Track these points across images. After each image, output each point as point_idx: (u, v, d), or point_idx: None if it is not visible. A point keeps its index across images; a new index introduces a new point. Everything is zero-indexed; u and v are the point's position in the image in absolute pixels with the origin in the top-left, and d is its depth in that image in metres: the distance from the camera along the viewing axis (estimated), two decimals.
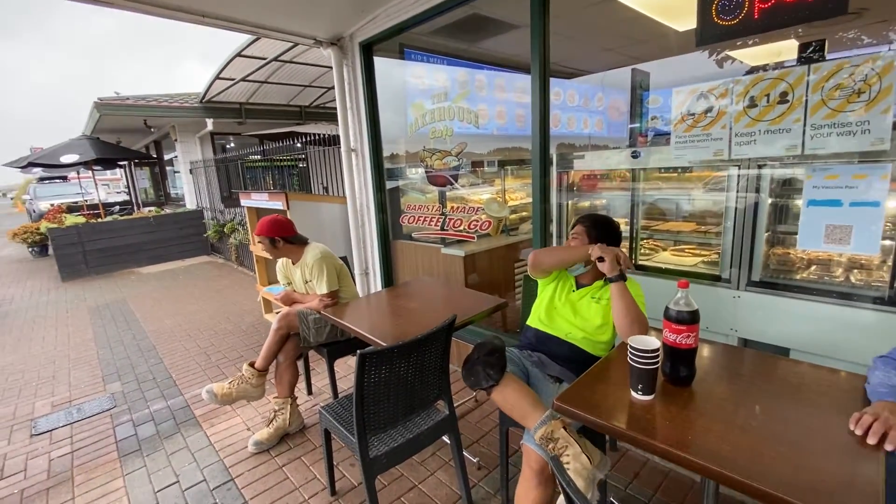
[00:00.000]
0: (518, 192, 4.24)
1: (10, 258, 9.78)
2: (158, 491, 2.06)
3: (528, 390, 1.43)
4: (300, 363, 2.64)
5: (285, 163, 8.47)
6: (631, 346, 1.20)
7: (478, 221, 2.80)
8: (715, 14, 1.67)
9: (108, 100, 7.51)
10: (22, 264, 8.91)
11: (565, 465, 1.24)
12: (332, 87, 7.54)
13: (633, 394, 1.23)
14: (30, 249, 9.44)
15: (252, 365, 2.37)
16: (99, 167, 10.02)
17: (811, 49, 1.57)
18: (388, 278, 3.67)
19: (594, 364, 1.43)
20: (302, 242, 2.57)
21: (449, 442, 1.84)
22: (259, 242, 2.54)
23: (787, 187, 1.73)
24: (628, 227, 2.31)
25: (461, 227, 2.89)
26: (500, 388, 1.41)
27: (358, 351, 1.40)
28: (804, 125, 1.48)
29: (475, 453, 2.16)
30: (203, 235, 8.19)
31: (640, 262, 2.30)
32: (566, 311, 1.72)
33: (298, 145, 6.70)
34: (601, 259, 1.54)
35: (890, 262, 1.61)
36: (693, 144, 1.75)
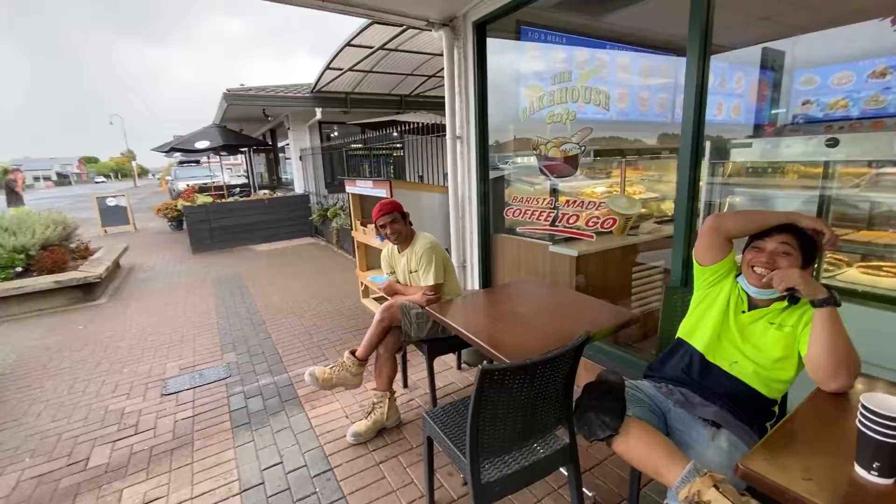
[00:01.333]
0: (636, 185, 3.78)
1: (154, 230, 11.38)
2: (265, 469, 2.11)
3: (661, 438, 1.14)
4: (398, 356, 2.57)
5: (382, 151, 8.69)
6: (867, 409, 0.86)
7: (598, 218, 2.47)
8: None
9: (234, 91, 8.26)
10: (162, 236, 10.31)
11: None
12: (434, 76, 7.50)
13: (861, 471, 0.89)
14: (169, 224, 10.89)
15: (353, 353, 2.34)
16: (225, 153, 11.19)
17: None
18: (487, 273, 3.48)
19: (785, 418, 1.09)
20: (412, 229, 2.49)
21: (566, 473, 1.60)
22: (392, 222, 2.43)
23: None
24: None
25: (577, 224, 2.59)
26: (623, 437, 1.14)
27: (480, 367, 1.22)
28: None
29: (590, 485, 1.89)
30: (308, 218, 8.74)
31: (823, 282, 1.82)
32: (734, 334, 1.37)
33: (395, 134, 6.78)
34: (790, 290, 1.20)
35: None
36: None
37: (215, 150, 9.05)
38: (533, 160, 2.97)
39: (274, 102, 8.41)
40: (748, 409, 1.34)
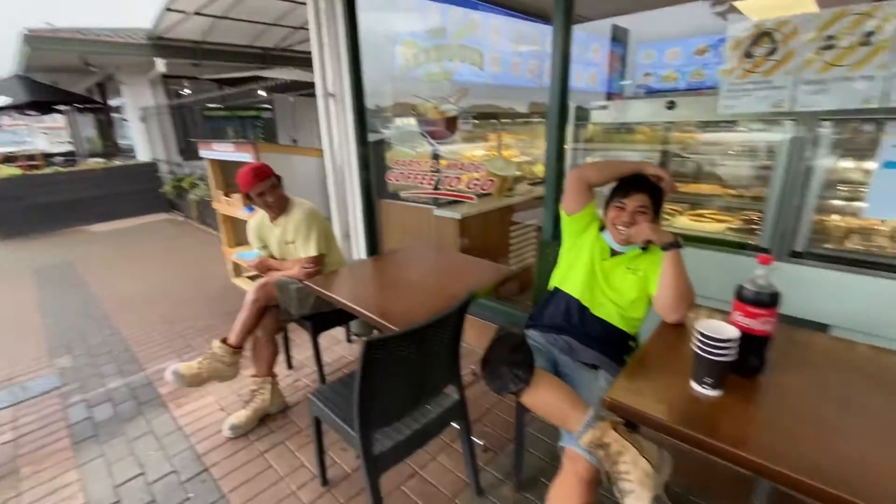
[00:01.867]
0: (511, 148, 3.95)
1: None
2: (120, 485, 1.80)
3: (565, 387, 1.22)
4: (279, 336, 2.36)
5: (248, 112, 7.75)
6: (702, 334, 1.00)
7: (479, 180, 2.51)
8: None
9: (38, 31, 6.50)
10: None
11: (624, 475, 1.05)
12: (302, 27, 6.80)
13: (696, 386, 1.04)
14: None
15: (224, 341, 2.08)
16: (34, 112, 8.89)
17: None
18: (373, 241, 3.36)
19: (637, 351, 1.24)
20: (285, 196, 2.23)
21: (458, 427, 1.65)
22: (269, 188, 2.12)
23: (850, 147, 1.53)
24: None
25: (459, 187, 2.60)
26: (532, 389, 1.19)
27: (364, 339, 1.14)
28: (890, 72, 1.26)
29: (480, 434, 1.99)
30: (159, 191, 7.50)
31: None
32: (600, 278, 1.50)
33: (262, 92, 6.05)
34: (649, 242, 1.39)
35: None
36: (747, 93, 1.51)
37: (19, 108, 7.12)
38: (413, 122, 2.88)
39: (97, 49, 6.84)
40: (616, 348, 1.50)
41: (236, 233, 3.86)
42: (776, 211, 1.63)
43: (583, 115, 2.09)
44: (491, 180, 2.49)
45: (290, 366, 2.61)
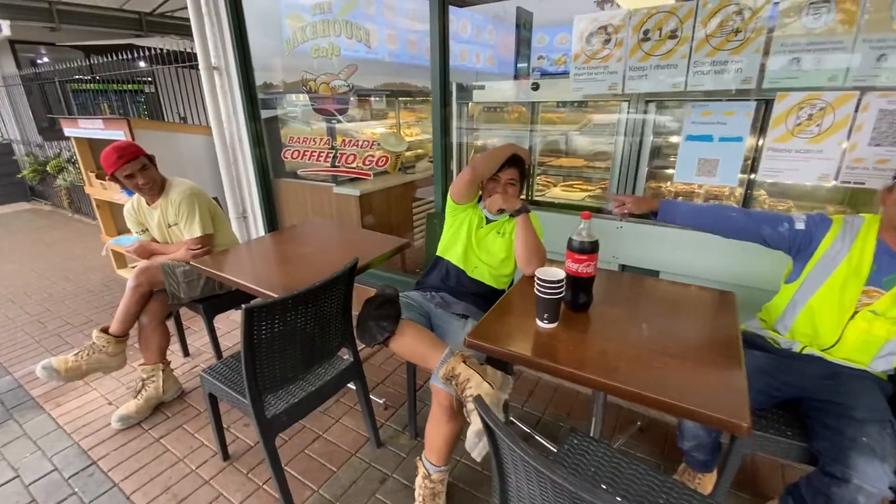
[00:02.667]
0: (412, 127, 4.04)
1: None
2: None
3: (426, 333, 1.39)
4: (171, 322, 2.28)
5: (129, 86, 6.90)
6: (538, 278, 1.20)
7: (373, 157, 2.58)
8: None
9: None
10: None
11: (470, 396, 1.25)
12: None
13: (539, 323, 1.26)
14: None
15: (106, 331, 1.96)
16: None
17: None
18: (272, 221, 3.30)
19: (500, 298, 1.44)
20: (160, 177, 2.10)
21: (354, 388, 1.77)
22: (139, 169, 1.95)
23: (668, 124, 1.86)
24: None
25: (355, 164, 2.65)
26: (397, 337, 1.37)
27: (243, 306, 1.20)
28: (689, 61, 1.56)
29: (381, 394, 2.13)
30: (17, 177, 6.47)
31: (535, 198, 2.36)
32: (474, 245, 1.70)
33: (141, 63, 5.42)
34: (501, 211, 1.61)
35: (738, 193, 1.86)
36: (590, 77, 1.76)
37: None
38: (306, 98, 2.84)
39: None
40: (486, 301, 1.70)
41: (116, 220, 3.54)
42: (618, 179, 1.94)
43: (465, 95, 2.25)
44: (385, 157, 2.58)
45: (186, 353, 2.52)
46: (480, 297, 1.68)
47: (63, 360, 1.91)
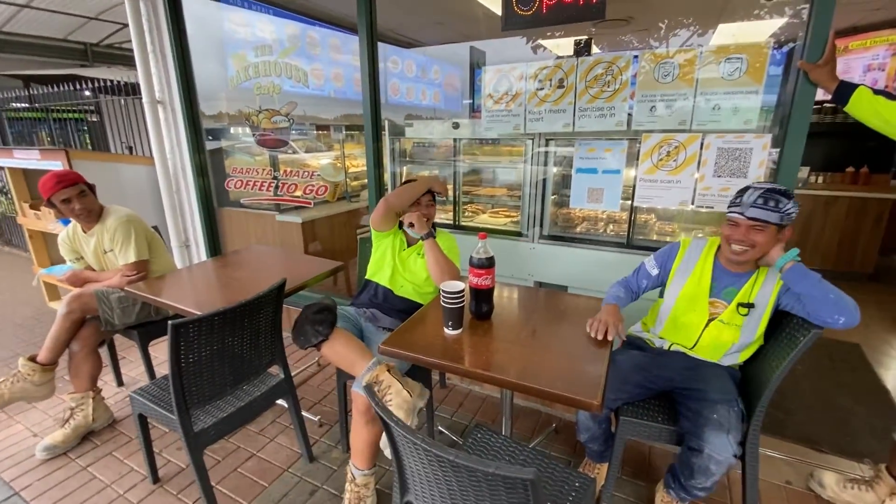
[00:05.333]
0: (359, 158, 4.23)
1: None
2: None
3: (357, 342, 1.53)
4: (104, 351, 2.28)
5: (70, 115, 6.73)
6: (442, 290, 1.38)
7: (313, 186, 2.73)
8: (515, 4, 1.91)
9: None
10: None
11: (388, 402, 1.39)
12: (127, 24, 6.22)
13: (446, 330, 1.43)
14: None
15: (33, 359, 1.96)
16: None
17: (582, 45, 1.95)
18: (216, 250, 3.34)
19: (415, 312, 1.61)
20: (98, 205, 2.15)
21: (287, 406, 1.85)
22: (76, 194, 1.99)
23: (565, 159, 2.15)
24: (453, 192, 2.56)
25: (297, 193, 2.79)
26: (330, 342, 1.49)
27: (169, 322, 1.30)
28: (574, 107, 1.85)
29: (318, 413, 2.21)
30: None
31: (463, 224, 2.59)
32: (399, 266, 1.87)
33: (87, 93, 5.36)
34: (411, 225, 1.74)
35: (625, 217, 2.16)
36: (499, 119, 2.02)
37: None
38: (249, 131, 2.98)
39: None
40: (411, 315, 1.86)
41: (50, 250, 3.46)
42: (527, 206, 2.20)
43: (397, 130, 2.48)
44: (325, 186, 2.74)
45: (120, 382, 2.50)
46: (407, 312, 1.83)
47: None
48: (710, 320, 1.50)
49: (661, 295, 1.65)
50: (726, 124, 1.65)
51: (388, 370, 1.46)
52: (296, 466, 1.88)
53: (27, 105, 6.46)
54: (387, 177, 2.49)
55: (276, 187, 2.86)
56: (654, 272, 1.60)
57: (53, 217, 3.09)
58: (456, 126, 2.27)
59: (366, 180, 3.88)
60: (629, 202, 1.93)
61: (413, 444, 0.93)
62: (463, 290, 1.39)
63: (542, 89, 1.91)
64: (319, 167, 2.84)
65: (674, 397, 1.54)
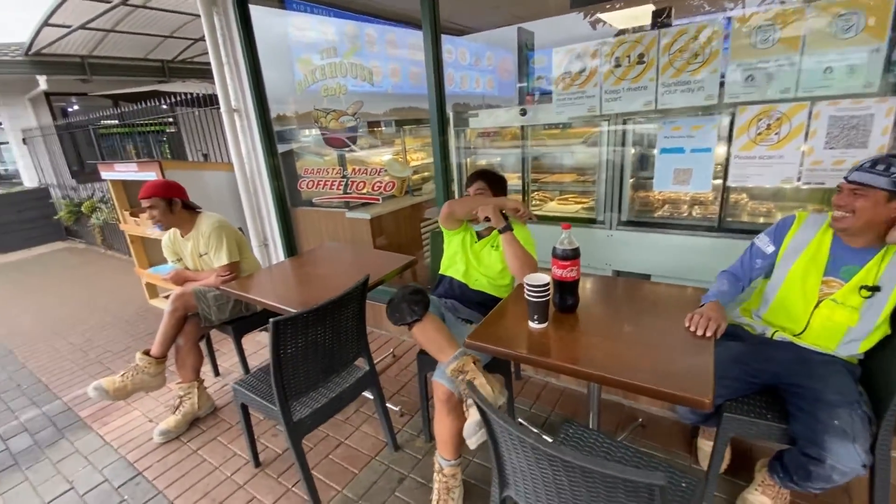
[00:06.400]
0: (418, 152, 4.27)
1: None
2: (50, 501, 1.86)
3: (446, 328, 1.55)
4: (203, 344, 2.48)
5: (151, 128, 7.35)
6: (527, 283, 1.36)
7: (381, 183, 2.79)
8: None
9: None
10: None
11: (469, 394, 1.39)
12: (199, 39, 6.63)
13: (531, 324, 1.41)
14: None
15: (147, 353, 2.17)
16: None
17: (663, 16, 1.81)
18: (291, 248, 3.52)
19: (496, 305, 1.59)
20: (194, 210, 2.35)
21: (371, 396, 1.92)
22: (150, 208, 2.21)
23: (644, 139, 2.02)
24: (520, 181, 2.50)
25: (365, 190, 2.87)
26: (422, 324, 1.51)
27: (270, 319, 1.38)
28: (657, 83, 1.73)
29: (397, 403, 2.28)
30: (53, 218, 6.93)
31: (533, 212, 2.52)
32: (472, 260, 1.86)
33: (165, 107, 5.83)
34: (487, 219, 1.72)
35: (717, 198, 2.00)
36: (571, 102, 1.94)
37: None
38: (318, 133, 3.09)
39: None
40: (487, 308, 1.85)
41: (149, 252, 3.81)
42: (604, 191, 2.10)
43: (461, 121, 2.45)
44: (392, 182, 2.78)
45: (217, 373, 2.72)
46: (483, 305, 1.83)
47: (111, 380, 2.11)
48: (819, 301, 1.36)
49: (768, 275, 1.51)
50: (841, 89, 1.46)
51: (474, 361, 1.46)
52: (382, 455, 1.95)
53: (117, 122, 7.13)
54: (454, 168, 2.48)
55: (346, 185, 2.94)
56: (770, 249, 1.46)
57: (151, 223, 3.39)
58: (524, 113, 2.21)
59: (426, 173, 3.94)
60: (720, 182, 1.79)
61: (521, 442, 0.92)
62: (548, 284, 1.36)
63: (619, 66, 1.80)
64: (385, 163, 2.89)
65: (780, 393, 1.41)
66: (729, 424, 1.41)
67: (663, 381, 1.09)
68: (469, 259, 1.87)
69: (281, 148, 3.36)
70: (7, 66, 6.35)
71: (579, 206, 2.48)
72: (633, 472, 0.70)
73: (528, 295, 1.36)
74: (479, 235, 1.88)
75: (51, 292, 4.69)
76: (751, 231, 1.73)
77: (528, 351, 1.31)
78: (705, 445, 1.72)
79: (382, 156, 3.68)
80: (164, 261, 3.54)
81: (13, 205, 6.77)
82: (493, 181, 1.85)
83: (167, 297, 3.86)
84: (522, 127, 2.40)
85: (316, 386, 1.66)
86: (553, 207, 2.57)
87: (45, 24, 5.33)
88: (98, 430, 2.30)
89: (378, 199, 2.86)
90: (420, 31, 2.22)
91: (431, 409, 2.15)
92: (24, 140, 7.31)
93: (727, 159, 1.72)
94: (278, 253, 3.55)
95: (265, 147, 3.23)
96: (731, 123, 1.68)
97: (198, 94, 4.76)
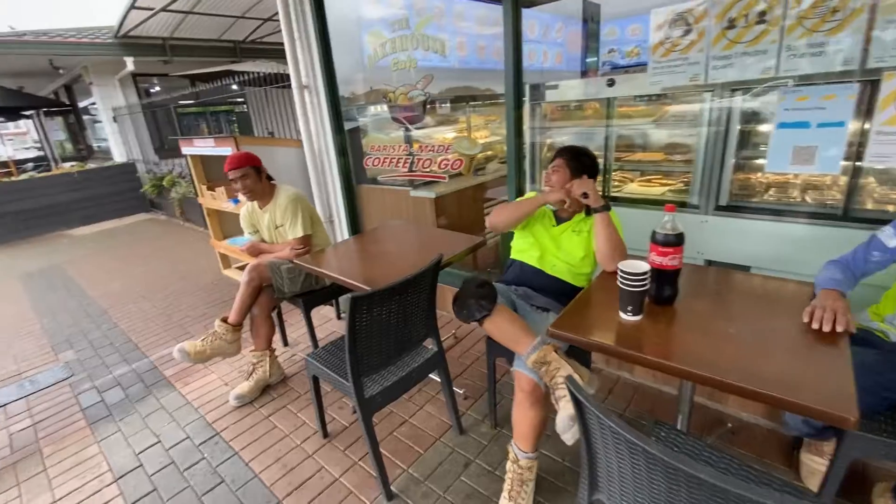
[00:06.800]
0: (481, 129, 4.13)
1: None
2: (140, 452, 2.01)
3: (519, 318, 1.46)
4: (273, 315, 2.56)
5: (222, 107, 7.73)
6: (622, 271, 1.23)
7: (448, 161, 2.71)
8: None
9: (1, 36, 6.39)
10: None
11: (559, 385, 1.30)
12: (270, 19, 6.81)
13: (623, 315, 1.28)
14: None
15: (225, 320, 2.27)
16: (0, 118, 8.74)
17: None
18: (355, 225, 3.56)
19: (580, 293, 1.48)
20: (272, 184, 2.41)
21: (437, 378, 1.89)
22: (242, 178, 2.27)
23: (756, 112, 1.77)
24: (602, 160, 2.32)
25: (431, 168, 2.80)
26: (493, 317, 1.43)
27: (350, 295, 1.36)
28: (780, 45, 1.50)
29: (461, 385, 2.24)
30: (139, 191, 7.52)
31: (612, 194, 2.34)
32: (550, 245, 1.74)
33: (235, 87, 6.07)
34: (585, 195, 1.55)
35: (842, 182, 1.73)
36: (670, 70, 1.74)
37: None
38: (386, 109, 3.05)
39: (63, 50, 6.75)
40: (565, 297, 1.73)
41: (223, 225, 4.01)
42: (701, 172, 1.88)
43: (537, 95, 2.30)
44: (460, 160, 2.69)
45: (285, 343, 2.82)
46: (562, 293, 1.72)
47: (192, 344, 2.23)
48: None
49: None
50: None
51: (555, 350, 1.36)
52: (447, 437, 1.93)
53: (193, 101, 7.56)
54: (526, 146, 2.34)
55: (412, 163, 2.89)
56: (893, 243, 1.24)
57: (226, 197, 3.55)
58: (611, 83, 2.02)
59: (490, 152, 3.81)
60: (852, 163, 1.54)
61: (628, 445, 0.83)
62: (647, 273, 1.22)
63: (732, 28, 1.57)
64: (453, 141, 2.80)
65: None
66: (854, 443, 1.22)
67: (793, 391, 0.94)
68: (546, 244, 1.76)
69: (347, 125, 3.36)
70: (100, 48, 6.87)
71: (665, 188, 2.26)
72: (769, 496, 0.59)
73: (624, 284, 1.23)
74: (559, 219, 1.75)
75: (137, 259, 5.10)
76: (880, 221, 1.48)
77: (621, 344, 1.20)
78: (811, 461, 1.53)
79: (445, 134, 3.59)
80: (238, 233, 3.70)
81: (106, 178, 7.41)
82: (573, 157, 1.67)
83: (240, 267, 4.06)
84: (608, 100, 2.20)
85: (387, 364, 1.64)
86: (633, 189, 2.37)
87: (133, 6, 5.66)
88: (180, 389, 2.46)
89: (444, 178, 2.78)
90: (488, 1, 2.07)
91: (498, 394, 2.09)
92: (114, 118, 7.94)
93: (863, 135, 1.46)
94: (342, 229, 3.60)
95: (333, 124, 3.25)
96: (871, 93, 1.42)
97: (266, 73, 4.88)
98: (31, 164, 9.94)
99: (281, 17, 3.10)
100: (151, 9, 5.79)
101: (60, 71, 7.79)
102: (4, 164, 8.02)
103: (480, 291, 1.44)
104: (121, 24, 6.36)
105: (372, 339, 1.51)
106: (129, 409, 2.34)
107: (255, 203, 2.42)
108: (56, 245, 6.20)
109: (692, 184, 1.94)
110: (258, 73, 5.11)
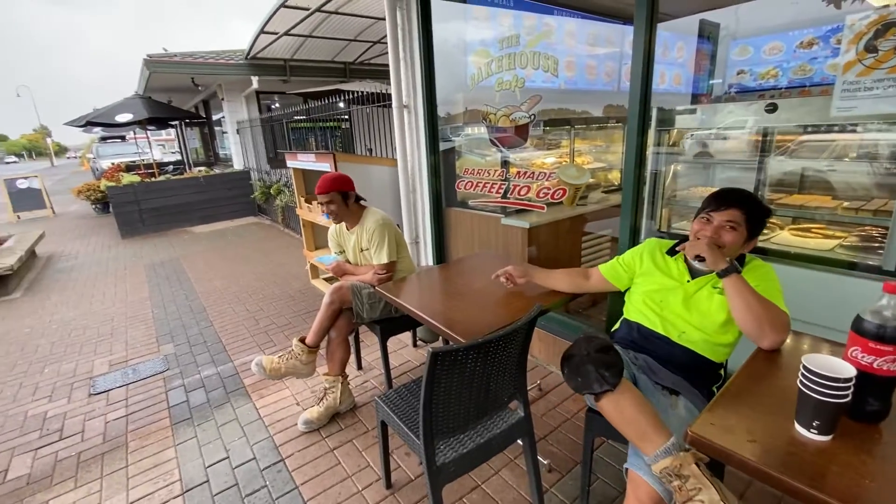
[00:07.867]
0: (584, 155, 3.80)
1: (75, 214, 10.34)
2: (209, 466, 1.98)
3: (649, 406, 1.12)
4: (350, 338, 2.47)
5: (328, 123, 8.23)
6: (807, 368, 0.87)
7: (548, 189, 2.44)
8: None
9: (156, 57, 7.46)
10: (86, 220, 9.38)
11: None
12: (379, 41, 7.13)
13: (802, 430, 0.91)
14: (93, 206, 9.91)
15: (303, 340, 2.21)
16: (152, 127, 10.22)
17: None
18: (440, 248, 3.41)
19: (729, 381, 1.11)
20: (361, 205, 2.35)
21: (521, 444, 1.60)
22: (328, 203, 2.28)
23: None
24: None
25: (528, 195, 2.55)
26: (616, 395, 1.10)
27: (429, 348, 1.15)
28: None
29: (544, 453, 1.92)
30: (250, 196, 8.24)
31: (759, 244, 1.89)
32: (678, 304, 1.39)
33: (341, 104, 6.41)
34: (701, 259, 1.25)
35: None
36: (869, 92, 1.31)
37: (140, 123, 8.22)
38: (483, 131, 2.89)
39: (203, 70, 7.70)
40: (699, 375, 1.37)
41: (316, 237, 4.12)
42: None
43: (666, 120, 1.95)
44: (562, 189, 2.41)
45: (359, 366, 2.71)
46: (693, 370, 1.35)
47: (269, 359, 2.20)
48: None
49: None
50: None
51: (697, 462, 1.02)
52: None
53: (304, 117, 8.13)
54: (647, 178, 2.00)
55: (507, 189, 2.67)
56: None
57: (321, 212, 3.62)
58: (771, 109, 1.62)
59: (592, 180, 3.46)
60: None
61: None
62: (851, 379, 0.85)
63: None
64: (554, 167, 2.53)
65: None
66: None
67: None
68: (672, 304, 1.40)
69: (442, 146, 3.25)
70: (233, 68, 7.72)
71: (834, 241, 1.76)
72: None
73: (811, 389, 0.87)
74: (694, 272, 1.40)
75: (240, 260, 5.48)
76: None
77: (795, 474, 0.83)
78: None
79: (544, 158, 3.33)
80: (327, 243, 3.76)
81: (225, 183, 8.24)
82: (754, 213, 1.31)
83: (327, 279, 4.13)
84: (765, 130, 1.79)
85: (465, 428, 1.40)
86: (785, 239, 1.89)
87: (262, 31, 6.25)
88: (255, 401, 2.45)
89: (543, 207, 2.51)
90: (603, 20, 1.80)
91: (593, 476, 1.74)
92: (237, 130, 8.86)
93: None
94: (427, 252, 3.47)
95: (428, 144, 3.16)
96: None
97: (370, 92, 5.02)
98: (171, 167, 11.50)
99: (389, 38, 3.11)
100: (276, 33, 6.35)
101: (199, 88, 8.89)
102: (150, 167, 9.33)
103: (604, 359, 1.11)
104: (251, 47, 7.07)
105: (451, 399, 1.28)
106: (207, 414, 2.37)
107: (343, 224, 2.37)
108: (179, 240, 6.96)
109: (889, 241, 1.45)
110: (362, 91, 5.30)
